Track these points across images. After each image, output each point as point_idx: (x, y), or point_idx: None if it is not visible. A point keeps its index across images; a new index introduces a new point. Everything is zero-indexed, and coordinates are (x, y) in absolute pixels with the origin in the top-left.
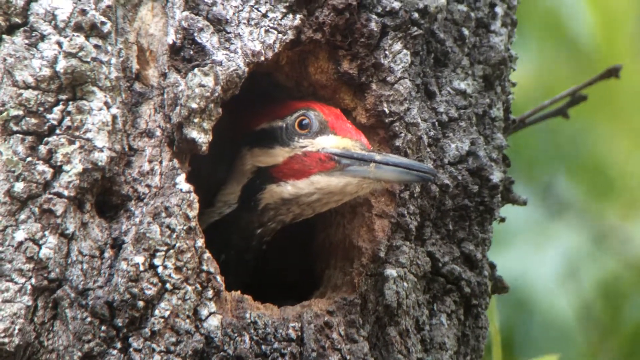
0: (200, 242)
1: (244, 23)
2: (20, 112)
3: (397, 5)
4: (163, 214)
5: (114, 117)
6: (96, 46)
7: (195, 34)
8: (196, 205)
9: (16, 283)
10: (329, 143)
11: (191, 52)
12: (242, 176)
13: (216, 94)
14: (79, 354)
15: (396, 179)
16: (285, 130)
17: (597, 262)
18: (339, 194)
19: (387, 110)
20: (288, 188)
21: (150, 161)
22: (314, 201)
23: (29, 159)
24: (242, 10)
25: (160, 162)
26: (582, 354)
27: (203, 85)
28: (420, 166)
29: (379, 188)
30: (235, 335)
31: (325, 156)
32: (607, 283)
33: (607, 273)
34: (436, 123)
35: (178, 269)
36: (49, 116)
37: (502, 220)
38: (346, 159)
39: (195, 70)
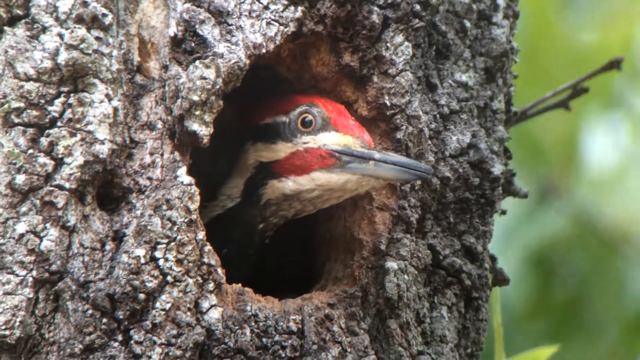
0: (202, 234)
1: (246, 15)
2: (22, 104)
3: None
4: (164, 207)
5: (115, 110)
6: (97, 38)
7: (197, 26)
8: (197, 197)
9: (17, 275)
10: (330, 140)
11: (192, 44)
12: (245, 170)
13: (217, 87)
14: (80, 346)
15: (394, 177)
16: (288, 126)
17: (539, 222)
18: (339, 191)
19: (388, 103)
20: (289, 184)
21: (151, 154)
22: (315, 197)
23: (30, 151)
24: (243, 2)
25: (162, 155)
26: (519, 321)
27: (204, 78)
28: (418, 165)
29: (378, 185)
30: (236, 327)
31: (326, 153)
32: (545, 245)
33: (548, 232)
34: (437, 115)
35: (179, 262)
36: (50, 108)
37: (503, 212)
38: (346, 156)
39: (197, 62)
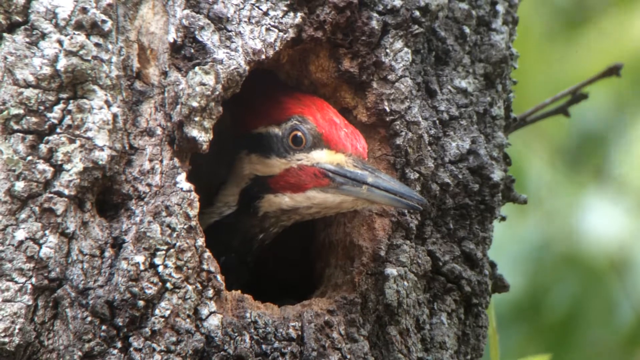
0: (201, 241)
1: (245, 21)
2: (21, 111)
3: (398, 3)
4: (163, 213)
5: (115, 116)
6: (97, 44)
7: (196, 32)
8: (196, 204)
9: (16, 282)
10: (322, 158)
11: (192, 51)
12: (241, 180)
13: (217, 93)
14: (80, 353)
15: (387, 203)
16: (281, 141)
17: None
18: (335, 208)
19: (388, 109)
20: (286, 200)
21: (150, 160)
22: (313, 212)
23: (30, 157)
24: (243, 9)
25: (161, 161)
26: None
27: (204, 84)
28: (411, 195)
29: (374, 207)
30: (236, 334)
31: (320, 172)
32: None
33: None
34: (437, 121)
35: (178, 268)
36: (49, 115)
37: (503, 219)
38: (340, 177)
39: (196, 68)
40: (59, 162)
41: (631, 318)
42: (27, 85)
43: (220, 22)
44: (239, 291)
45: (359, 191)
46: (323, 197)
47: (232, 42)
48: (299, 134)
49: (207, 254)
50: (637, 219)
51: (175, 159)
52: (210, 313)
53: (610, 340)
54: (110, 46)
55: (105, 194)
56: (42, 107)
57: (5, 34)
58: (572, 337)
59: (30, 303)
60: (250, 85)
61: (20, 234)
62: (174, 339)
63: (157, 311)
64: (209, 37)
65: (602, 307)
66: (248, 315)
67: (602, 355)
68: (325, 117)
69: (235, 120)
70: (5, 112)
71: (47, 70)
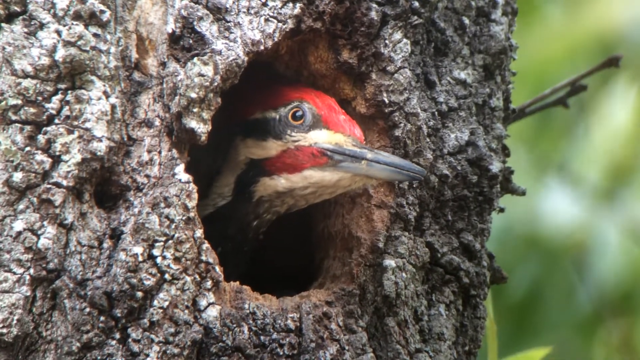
0: (199, 232)
1: (244, 12)
2: (19, 102)
3: None
4: (162, 204)
5: (113, 107)
6: (95, 35)
7: (195, 23)
8: (195, 195)
9: (15, 273)
10: (321, 138)
11: (190, 41)
12: (236, 167)
13: (215, 84)
14: (78, 344)
15: (387, 177)
16: (279, 122)
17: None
18: (332, 187)
19: (386, 100)
20: (282, 181)
21: (149, 151)
22: (308, 194)
23: (28, 148)
24: None
25: (159, 152)
26: None
27: (202, 75)
28: (410, 167)
29: (371, 183)
30: (234, 325)
31: (318, 151)
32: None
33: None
34: (436, 113)
35: (177, 260)
36: (47, 105)
37: (502, 210)
38: (339, 155)
39: (195, 59)
40: (57, 153)
41: (589, 301)
42: (25, 75)
43: (219, 13)
44: (238, 282)
45: (357, 167)
46: (320, 175)
47: (231, 32)
48: (300, 111)
49: (206, 245)
50: (591, 209)
51: (174, 150)
52: (209, 304)
53: (569, 322)
54: (108, 36)
55: (103, 185)
56: (40, 98)
57: (3, 24)
58: (532, 318)
59: (28, 294)
60: (244, 77)
61: (19, 225)
62: (172, 330)
63: (155, 302)
64: (207, 27)
65: (561, 290)
66: (246, 306)
67: (562, 337)
68: (324, 102)
69: (229, 110)
70: (3, 103)
71: (45, 60)
